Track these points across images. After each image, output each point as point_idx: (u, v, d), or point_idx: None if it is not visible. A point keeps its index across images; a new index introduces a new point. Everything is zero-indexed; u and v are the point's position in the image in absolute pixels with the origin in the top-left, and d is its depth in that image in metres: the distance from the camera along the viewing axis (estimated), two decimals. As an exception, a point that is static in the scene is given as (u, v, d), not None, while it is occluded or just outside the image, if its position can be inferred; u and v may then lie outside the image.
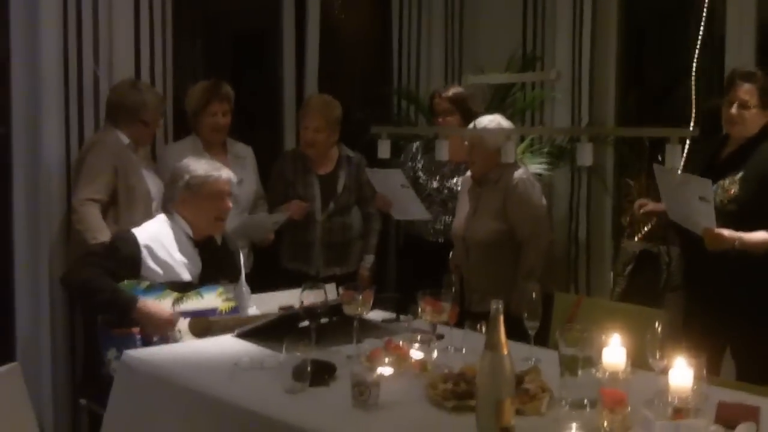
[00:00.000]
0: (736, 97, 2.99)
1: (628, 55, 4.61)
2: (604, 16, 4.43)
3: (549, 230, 3.55)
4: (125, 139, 3.41)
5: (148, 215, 3.22)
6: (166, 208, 3.04)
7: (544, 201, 3.52)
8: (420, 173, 3.95)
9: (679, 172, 3.00)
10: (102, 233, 3.19)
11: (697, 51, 4.02)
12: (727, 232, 2.85)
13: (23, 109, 3.43)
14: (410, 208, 3.73)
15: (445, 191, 3.87)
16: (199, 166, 3.01)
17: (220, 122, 3.73)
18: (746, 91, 2.98)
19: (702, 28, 4.00)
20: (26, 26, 3.41)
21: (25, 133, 3.45)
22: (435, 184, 3.89)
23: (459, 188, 3.84)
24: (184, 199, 2.98)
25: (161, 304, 2.81)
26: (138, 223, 3.06)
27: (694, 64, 4.04)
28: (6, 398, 2.26)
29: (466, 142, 3.51)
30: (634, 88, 4.78)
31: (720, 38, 4.05)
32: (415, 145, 4.06)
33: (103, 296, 2.78)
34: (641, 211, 3.34)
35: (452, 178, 3.89)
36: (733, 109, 3.00)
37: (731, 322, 2.95)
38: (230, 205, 3.04)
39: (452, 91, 3.94)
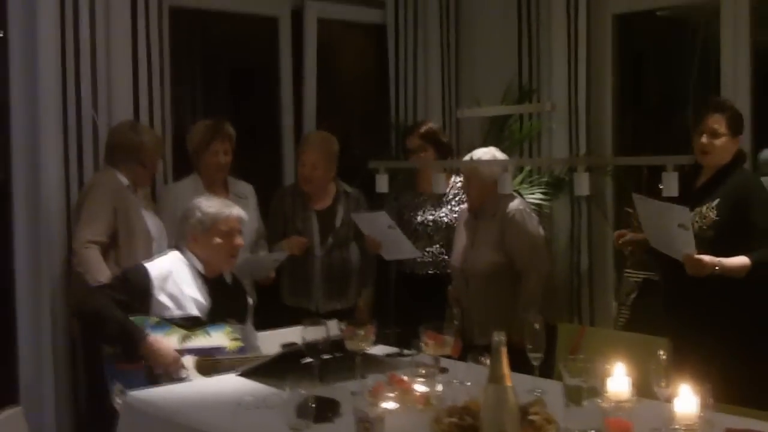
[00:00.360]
0: (706, 126, 3.10)
1: (624, 81, 4.65)
2: (600, 44, 4.48)
3: (547, 260, 3.56)
4: (124, 180, 3.42)
5: (149, 255, 3.23)
6: (179, 246, 3.06)
7: (541, 231, 3.54)
8: (404, 210, 3.97)
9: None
10: (103, 275, 3.19)
11: (692, 78, 4.07)
12: (707, 258, 2.92)
13: (23, 154, 3.47)
14: (400, 248, 3.74)
15: (430, 224, 3.90)
16: (211, 204, 3.05)
17: (221, 161, 3.75)
18: (715, 120, 3.09)
19: (697, 53, 4.05)
20: (25, 72, 3.45)
21: (24, 179, 3.48)
22: (420, 218, 3.92)
23: (444, 220, 3.85)
24: (195, 236, 3.01)
25: (169, 344, 2.80)
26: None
27: (691, 93, 4.09)
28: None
29: (459, 177, 3.54)
30: (631, 115, 4.81)
31: (716, 62, 4.09)
32: (399, 178, 4.08)
33: (113, 327, 2.80)
34: (620, 241, 3.42)
35: (434, 210, 3.91)
36: (704, 139, 3.10)
37: (711, 346, 2.96)
38: (241, 242, 3.07)
39: (423, 128, 4.00)
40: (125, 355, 2.80)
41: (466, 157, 3.61)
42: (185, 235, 3.04)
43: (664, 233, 3.01)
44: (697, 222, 3.04)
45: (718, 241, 3.01)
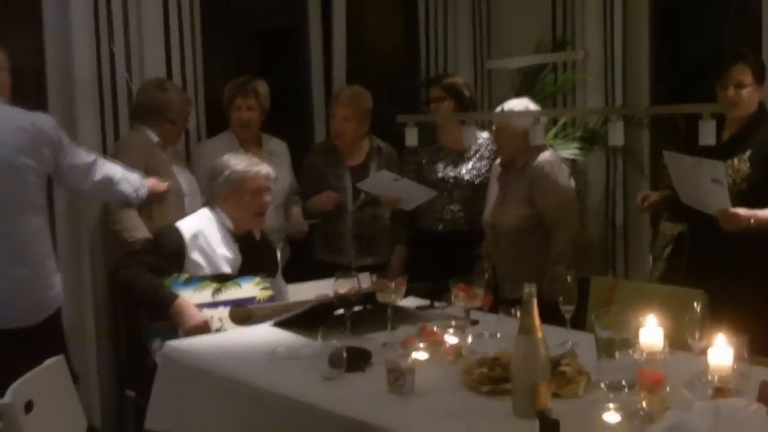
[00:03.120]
0: (731, 78, 3.05)
1: (661, 36, 4.54)
2: (636, -1, 4.37)
3: (577, 214, 3.50)
4: (154, 138, 3.45)
5: (180, 211, 3.27)
6: (209, 203, 3.09)
7: (572, 184, 3.47)
8: (422, 165, 3.92)
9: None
10: (139, 231, 3.24)
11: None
12: (742, 211, 2.86)
13: (59, 116, 3.48)
14: (415, 195, 3.72)
15: (450, 181, 3.84)
16: (239, 161, 3.07)
17: (244, 117, 3.75)
18: (740, 70, 3.04)
19: (738, 10, 3.94)
20: (59, 36, 3.47)
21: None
22: (439, 174, 3.85)
23: (465, 177, 3.80)
24: (225, 194, 3.03)
25: (196, 309, 2.84)
26: (171, 220, 3.10)
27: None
28: (53, 390, 2.31)
29: (494, 127, 3.50)
30: (667, 72, 4.71)
31: (756, 20, 3.97)
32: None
33: (144, 295, 2.86)
34: (645, 204, 3.37)
35: (455, 167, 3.86)
36: (731, 91, 3.04)
37: (745, 300, 2.92)
38: (269, 200, 3.08)
39: (447, 79, 3.93)
40: (160, 316, 2.85)
41: (499, 108, 3.56)
42: (214, 192, 3.06)
43: (696, 189, 2.96)
44: (730, 176, 2.98)
45: (752, 194, 2.95)
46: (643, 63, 4.40)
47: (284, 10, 4.83)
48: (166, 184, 3.21)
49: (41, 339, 2.76)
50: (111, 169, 2.99)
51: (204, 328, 2.82)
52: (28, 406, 2.12)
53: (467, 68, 4.77)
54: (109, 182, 2.96)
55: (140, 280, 2.84)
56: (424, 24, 4.77)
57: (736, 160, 3.03)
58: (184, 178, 3.50)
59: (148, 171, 3.33)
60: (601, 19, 4.39)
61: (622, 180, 4.40)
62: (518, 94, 4.07)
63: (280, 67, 4.72)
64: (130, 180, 3.04)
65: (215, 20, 4.32)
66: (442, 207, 3.80)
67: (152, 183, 3.17)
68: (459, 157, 3.83)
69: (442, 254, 3.65)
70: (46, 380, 2.28)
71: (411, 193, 3.72)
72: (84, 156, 2.93)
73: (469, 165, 3.81)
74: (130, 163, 3.26)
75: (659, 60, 4.54)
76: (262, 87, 3.80)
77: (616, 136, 2.71)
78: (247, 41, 4.89)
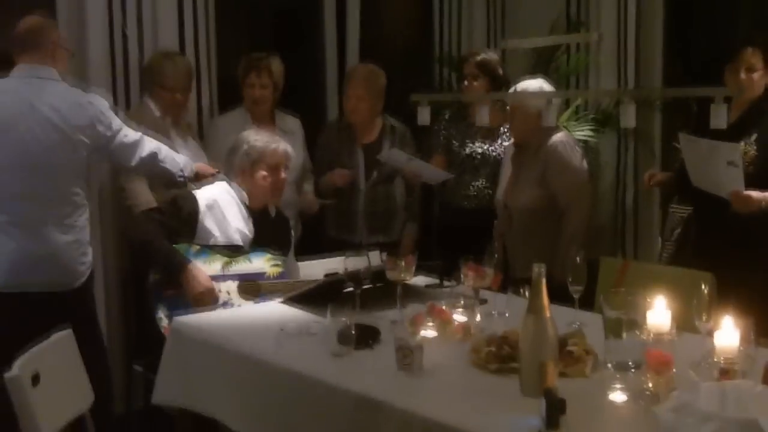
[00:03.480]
0: (743, 61, 3.05)
1: (674, 18, 4.50)
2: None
3: (590, 196, 3.50)
4: (156, 111, 3.48)
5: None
6: (227, 177, 3.11)
7: (585, 165, 3.47)
8: (453, 140, 3.94)
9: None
10: (151, 203, 3.28)
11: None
12: (755, 193, 2.88)
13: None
14: (432, 173, 3.77)
15: (478, 157, 3.85)
16: (259, 137, 3.09)
17: (256, 94, 3.76)
18: (752, 54, 3.04)
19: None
20: (73, 16, 3.49)
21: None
22: (467, 150, 3.87)
23: (493, 154, 3.82)
24: (242, 168, 3.06)
25: (207, 276, 2.86)
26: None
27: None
28: (60, 364, 2.34)
29: (507, 108, 3.49)
30: (681, 54, 4.68)
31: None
32: (447, 113, 4.04)
33: (159, 255, 2.88)
34: (651, 183, 3.39)
35: (484, 143, 3.87)
36: (742, 74, 3.05)
37: (754, 283, 2.93)
38: (285, 176, 3.10)
39: (481, 56, 3.91)
40: (169, 281, 2.87)
41: (512, 89, 3.55)
42: (233, 166, 3.09)
43: (710, 172, 2.97)
44: None
45: (758, 176, 2.96)
46: (656, 45, 4.37)
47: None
48: (215, 169, 3.26)
49: (76, 303, 2.92)
50: (156, 147, 3.12)
51: (211, 296, 2.84)
52: (35, 379, 2.15)
53: (481, 45, 4.74)
54: (154, 159, 3.09)
55: (158, 240, 2.88)
56: (438, 1, 4.74)
57: (743, 144, 3.03)
58: (188, 150, 3.50)
59: None
60: (615, 0, 4.36)
61: (633, 162, 4.40)
62: (532, 74, 4.06)
63: (293, 43, 4.70)
64: (175, 159, 3.17)
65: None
66: (469, 183, 3.82)
67: (200, 166, 3.25)
68: (490, 134, 3.83)
69: (470, 228, 3.66)
70: (54, 353, 2.31)
71: (429, 172, 3.77)
72: (132, 134, 3.05)
73: (498, 142, 3.82)
74: None
75: (672, 42, 4.51)
76: (276, 64, 3.80)
77: (628, 118, 2.71)
78: (262, 18, 4.87)
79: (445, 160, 3.91)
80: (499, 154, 3.81)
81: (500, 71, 3.85)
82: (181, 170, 3.16)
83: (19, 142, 2.82)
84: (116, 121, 3.02)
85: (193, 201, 2.98)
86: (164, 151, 3.15)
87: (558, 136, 3.36)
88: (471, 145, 3.86)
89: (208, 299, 2.84)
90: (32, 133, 2.83)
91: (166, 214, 2.98)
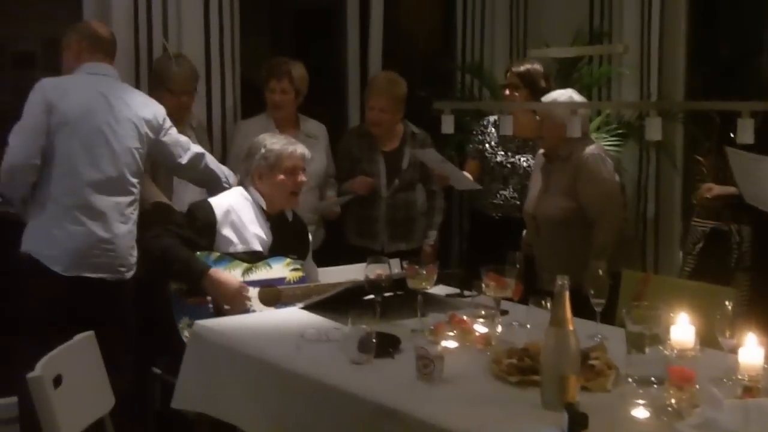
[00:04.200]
0: None
1: (698, 30, 4.48)
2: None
3: (621, 209, 3.45)
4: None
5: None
6: (243, 182, 3.11)
7: (617, 177, 3.43)
8: (488, 146, 3.94)
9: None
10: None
11: None
12: None
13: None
14: (461, 179, 3.77)
15: (508, 166, 3.85)
16: (275, 140, 3.09)
17: (276, 99, 3.77)
18: None
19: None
20: (98, 16, 3.51)
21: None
22: (499, 158, 3.87)
23: (523, 164, 3.81)
24: (260, 172, 3.05)
25: (231, 275, 2.87)
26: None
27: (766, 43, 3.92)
28: (82, 365, 2.35)
29: (537, 118, 3.47)
30: (703, 65, 4.65)
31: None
32: (492, 118, 4.02)
33: (178, 266, 2.86)
34: (709, 195, 3.29)
35: (517, 154, 3.86)
36: None
37: None
38: (303, 179, 3.09)
39: (524, 66, 3.89)
40: (191, 290, 2.87)
41: (544, 99, 3.53)
42: (250, 171, 3.08)
43: (757, 186, 2.89)
44: None
45: None
46: (679, 56, 4.36)
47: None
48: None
49: (122, 296, 3.05)
50: (202, 150, 3.29)
51: (245, 292, 2.85)
52: (57, 381, 2.16)
53: (503, 54, 4.75)
54: (203, 159, 3.26)
55: (175, 249, 2.87)
56: (461, 8, 4.75)
57: None
58: None
59: None
60: (639, 10, 4.35)
61: (655, 174, 4.37)
62: (555, 84, 4.05)
63: (316, 47, 4.72)
64: (219, 166, 3.33)
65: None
66: (496, 191, 3.83)
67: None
68: (525, 145, 3.82)
69: (494, 237, 3.67)
70: (76, 355, 2.33)
71: (458, 177, 3.78)
72: (180, 134, 3.23)
73: (531, 154, 3.81)
74: None
75: (695, 53, 4.48)
76: (297, 70, 3.80)
77: (654, 131, 2.68)
78: (284, 21, 4.89)
79: (479, 166, 3.92)
80: (530, 166, 3.79)
81: (542, 83, 3.79)
82: (226, 177, 3.29)
83: (97, 132, 2.97)
84: (168, 120, 3.18)
85: (209, 210, 2.97)
86: (209, 155, 3.30)
87: (590, 149, 3.33)
88: (504, 153, 3.86)
89: (242, 298, 2.84)
90: (108, 124, 2.99)
91: (183, 226, 2.96)
